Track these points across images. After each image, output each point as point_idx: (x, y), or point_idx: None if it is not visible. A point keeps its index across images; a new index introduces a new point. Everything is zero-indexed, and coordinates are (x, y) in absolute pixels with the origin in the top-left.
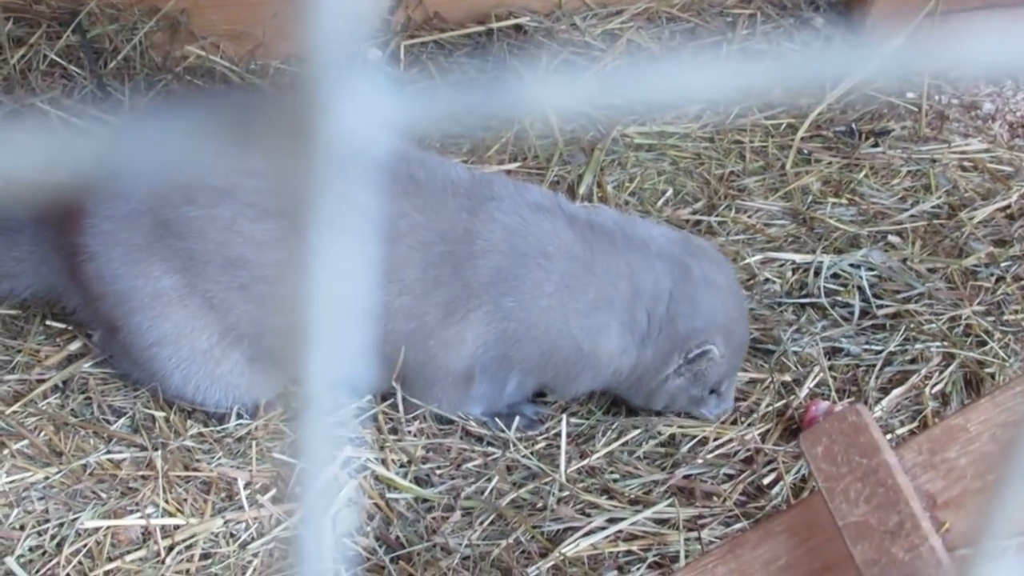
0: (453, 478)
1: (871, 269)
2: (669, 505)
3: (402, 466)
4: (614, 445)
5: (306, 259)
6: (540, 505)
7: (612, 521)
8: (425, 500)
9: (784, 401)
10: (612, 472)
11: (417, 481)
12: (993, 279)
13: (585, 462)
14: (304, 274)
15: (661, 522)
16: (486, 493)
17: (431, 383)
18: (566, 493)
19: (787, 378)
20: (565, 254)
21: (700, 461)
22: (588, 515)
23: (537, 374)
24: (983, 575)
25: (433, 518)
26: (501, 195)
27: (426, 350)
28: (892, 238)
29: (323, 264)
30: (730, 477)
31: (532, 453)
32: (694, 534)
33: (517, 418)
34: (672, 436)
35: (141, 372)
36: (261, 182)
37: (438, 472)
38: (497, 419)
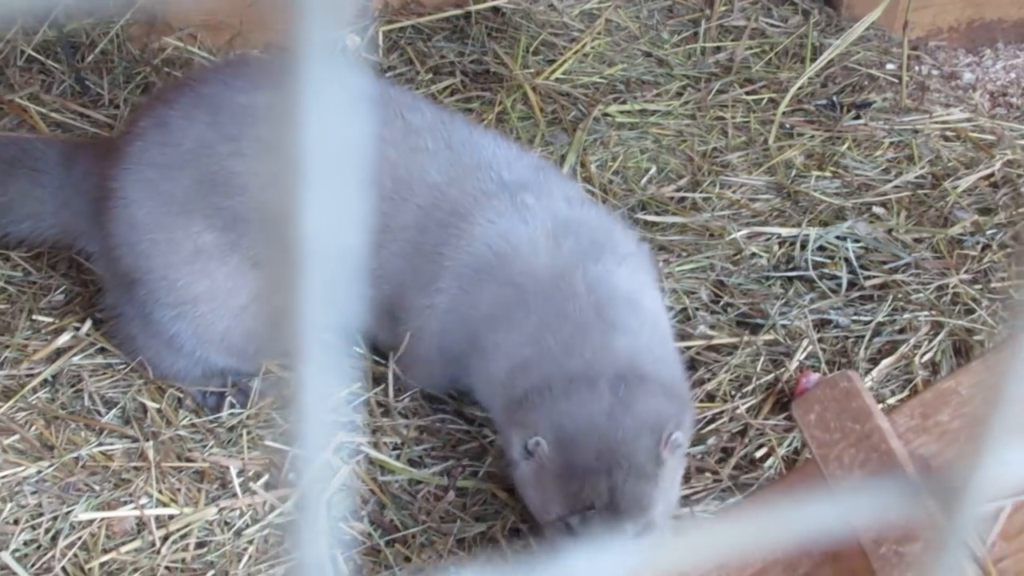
0: (447, 459)
1: (857, 241)
2: None
3: (395, 448)
4: None
5: (298, 117)
6: None
7: None
8: (419, 482)
9: (774, 374)
10: None
11: (410, 463)
12: (979, 247)
13: None
14: (296, 130)
15: None
16: (480, 473)
17: (405, 352)
18: None
19: (776, 351)
20: (544, 292)
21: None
22: None
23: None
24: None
25: (427, 500)
26: (527, 205)
27: (405, 312)
28: (877, 209)
29: (315, 118)
30: (722, 452)
31: None
32: (686, 510)
33: None
34: None
35: (152, 332)
36: None
37: (432, 454)
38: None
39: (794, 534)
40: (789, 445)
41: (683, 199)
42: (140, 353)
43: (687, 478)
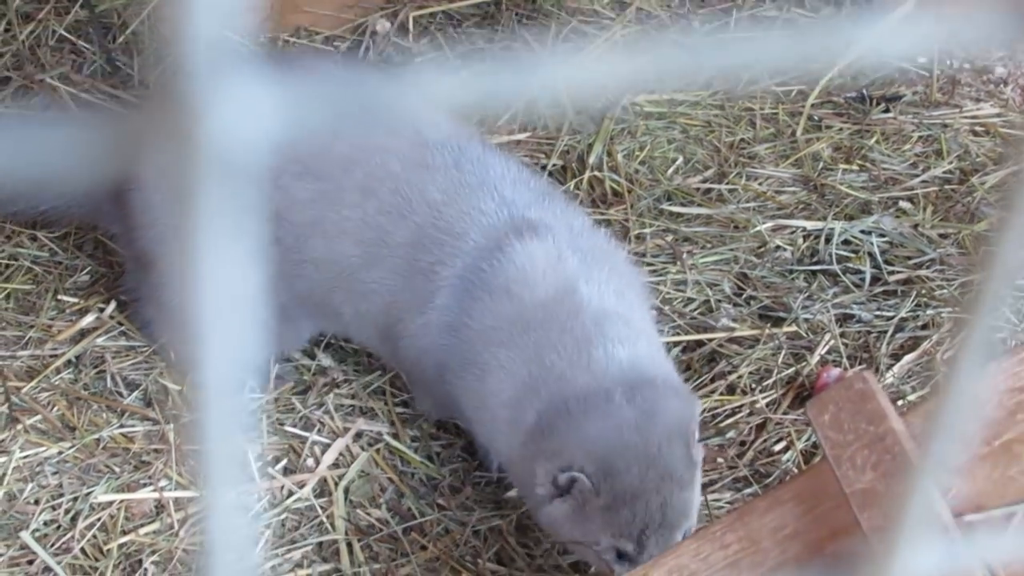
0: (464, 460)
1: (882, 235)
2: None
3: (414, 440)
4: None
5: (193, 259)
6: None
7: None
8: (436, 477)
9: (795, 368)
10: None
11: (428, 458)
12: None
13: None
14: (193, 274)
15: None
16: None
17: (408, 379)
18: None
19: (798, 345)
20: (543, 307)
21: (709, 432)
22: None
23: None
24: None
25: (443, 491)
26: (544, 214)
27: (406, 335)
28: (903, 204)
29: (210, 265)
30: (741, 444)
31: None
32: (700, 498)
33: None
34: None
35: (167, 319)
36: (311, 140)
37: (448, 447)
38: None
39: None
40: (808, 439)
41: (709, 190)
42: (159, 336)
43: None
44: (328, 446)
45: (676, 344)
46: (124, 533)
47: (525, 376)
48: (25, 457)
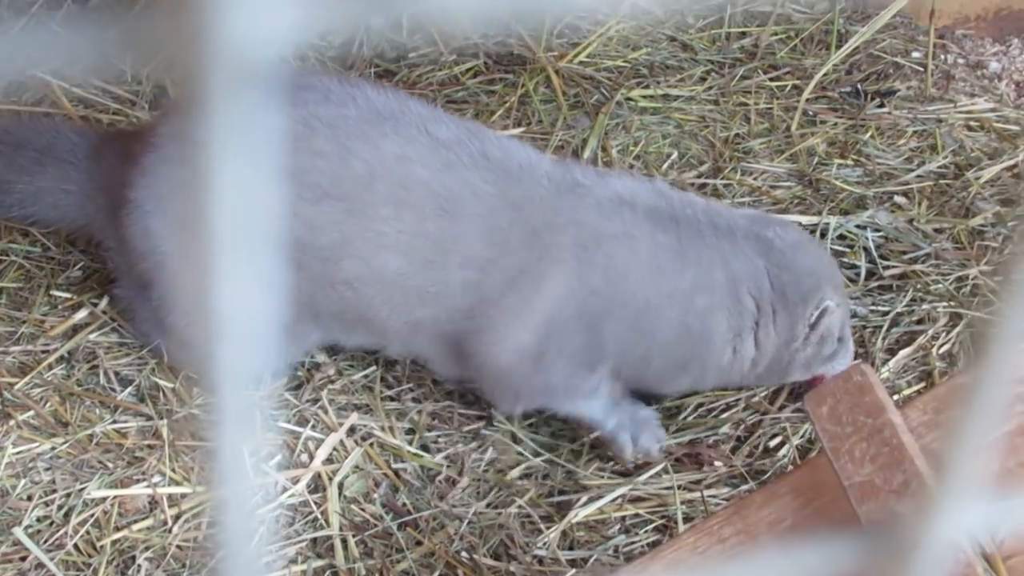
0: (457, 444)
1: (877, 230)
2: (665, 471)
3: (408, 432)
4: None
5: (209, 179)
6: (545, 474)
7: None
8: (431, 468)
9: None
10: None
11: (423, 448)
12: (1000, 238)
13: (594, 435)
14: (207, 195)
15: (667, 486)
16: (486, 461)
17: (496, 360)
18: (577, 467)
19: None
20: (650, 240)
21: (704, 426)
22: (592, 486)
23: (634, 362)
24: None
25: (439, 485)
26: (583, 183)
27: (488, 318)
28: (898, 199)
29: (226, 181)
30: (737, 440)
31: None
32: (697, 495)
33: (640, 437)
34: (680, 404)
35: (164, 331)
36: (325, 163)
37: (443, 439)
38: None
39: None
40: (803, 435)
41: (704, 185)
42: (161, 354)
43: (700, 464)
44: (322, 441)
45: None
46: (117, 529)
47: (713, 286)
48: (18, 453)
